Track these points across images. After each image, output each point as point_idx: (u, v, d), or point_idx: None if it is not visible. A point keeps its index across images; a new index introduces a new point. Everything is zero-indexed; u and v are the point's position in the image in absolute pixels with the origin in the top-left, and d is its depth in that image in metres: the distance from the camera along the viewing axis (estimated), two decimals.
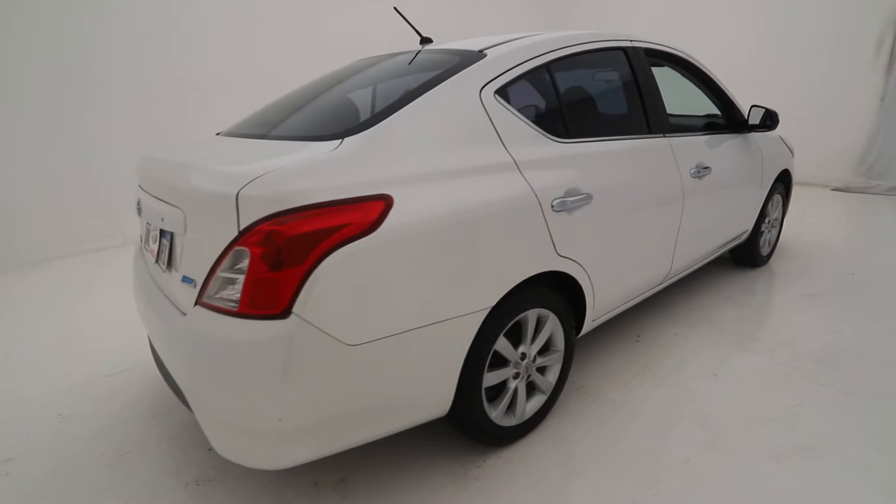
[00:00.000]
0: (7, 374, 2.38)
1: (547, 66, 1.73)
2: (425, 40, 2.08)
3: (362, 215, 1.17)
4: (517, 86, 1.62)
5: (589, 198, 1.69)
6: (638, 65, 2.11)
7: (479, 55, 1.61)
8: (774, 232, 3.44)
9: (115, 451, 1.77)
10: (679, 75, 2.56)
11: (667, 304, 2.81)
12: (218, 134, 1.88)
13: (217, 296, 1.17)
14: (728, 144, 2.62)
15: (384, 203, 1.22)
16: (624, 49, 2.08)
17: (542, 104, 1.73)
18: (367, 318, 1.20)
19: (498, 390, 1.66)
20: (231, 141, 1.64)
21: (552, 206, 1.56)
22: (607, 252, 1.84)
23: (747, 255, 3.25)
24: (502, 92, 1.57)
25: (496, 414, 1.61)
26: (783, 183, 3.35)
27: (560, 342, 1.79)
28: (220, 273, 1.16)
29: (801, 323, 2.56)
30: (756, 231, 3.13)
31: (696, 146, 2.34)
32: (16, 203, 4.07)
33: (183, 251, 1.35)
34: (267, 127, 1.64)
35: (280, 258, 1.10)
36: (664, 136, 2.15)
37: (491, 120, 1.50)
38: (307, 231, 1.11)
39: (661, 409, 1.91)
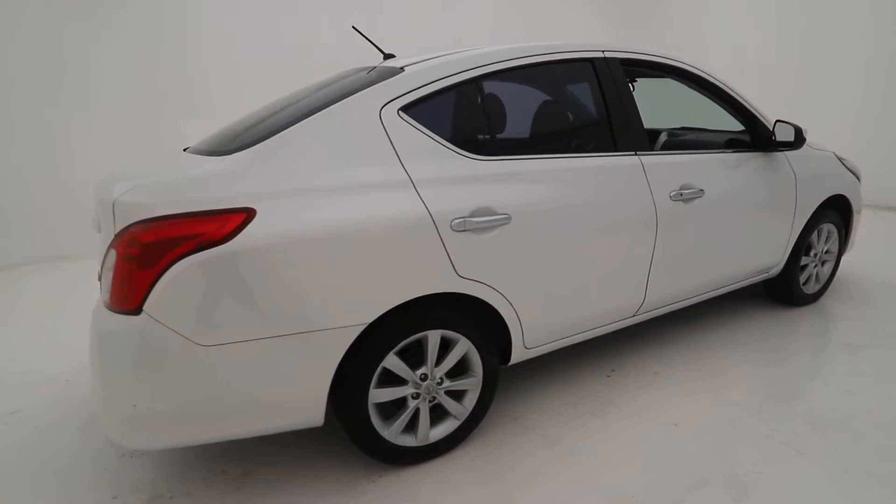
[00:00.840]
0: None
1: (476, 81, 1.68)
2: (388, 56, 2.13)
3: (218, 226, 1.26)
4: (433, 102, 1.60)
5: (506, 219, 1.61)
6: (607, 77, 1.95)
7: (397, 72, 1.62)
8: (827, 267, 2.93)
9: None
10: (692, 88, 2.31)
11: (661, 338, 2.53)
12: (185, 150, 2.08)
13: (102, 292, 1.33)
14: (739, 165, 2.30)
15: (245, 216, 1.29)
16: (591, 60, 1.94)
17: (463, 121, 1.68)
18: (221, 321, 1.27)
19: (400, 407, 1.64)
20: (181, 156, 1.81)
21: (451, 226, 1.52)
22: (538, 278, 1.72)
23: (784, 291, 2.80)
24: (411, 108, 1.56)
25: (389, 432, 1.60)
26: (838, 211, 2.84)
27: (478, 368, 1.72)
28: (103, 271, 1.32)
29: (818, 377, 2.15)
30: (793, 265, 2.69)
31: (683, 166, 2.09)
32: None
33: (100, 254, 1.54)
34: (211, 143, 1.79)
35: (136, 260, 1.22)
36: (635, 155, 1.96)
37: (389, 137, 1.50)
38: (160, 238, 1.22)
39: (592, 454, 1.73)
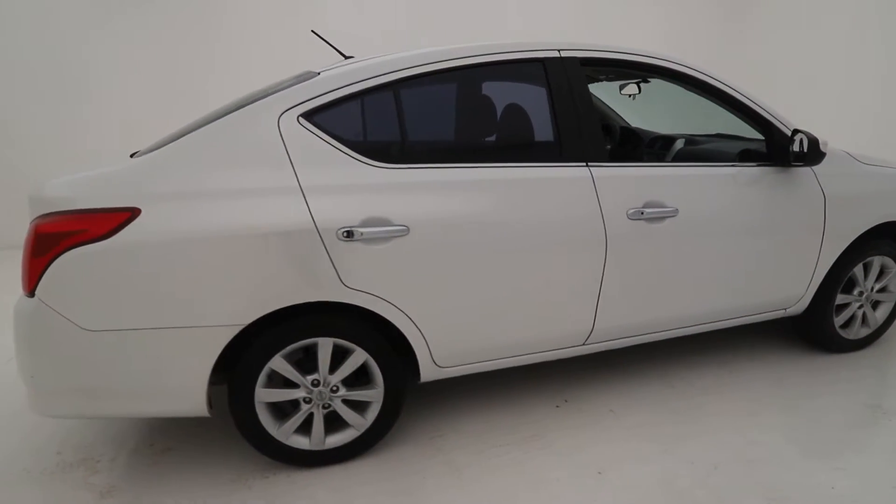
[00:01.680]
0: None
1: (392, 86, 1.62)
2: (349, 59, 2.13)
3: (101, 224, 1.37)
4: (340, 108, 1.57)
5: (403, 231, 1.54)
6: (560, 79, 1.76)
7: (312, 76, 1.62)
8: (883, 310, 2.38)
9: None
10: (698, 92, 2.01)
11: (637, 373, 2.25)
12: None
13: None
14: (740, 181, 1.95)
15: (129, 215, 1.38)
16: (542, 60, 1.77)
17: (372, 127, 1.63)
18: (103, 309, 1.39)
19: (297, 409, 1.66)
20: (121, 157, 1.93)
21: (337, 235, 1.49)
22: (446, 295, 1.62)
23: (814, 333, 2.34)
24: (314, 115, 1.55)
25: (279, 431, 1.62)
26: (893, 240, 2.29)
27: (379, 380, 1.68)
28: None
29: (811, 442, 1.77)
30: (824, 302, 2.22)
31: (650, 181, 1.82)
32: None
33: None
34: (151, 145, 1.90)
35: (33, 249, 1.37)
36: (585, 166, 1.75)
37: (285, 144, 1.51)
38: (51, 230, 1.36)
39: (490, 490, 1.60)
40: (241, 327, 1.47)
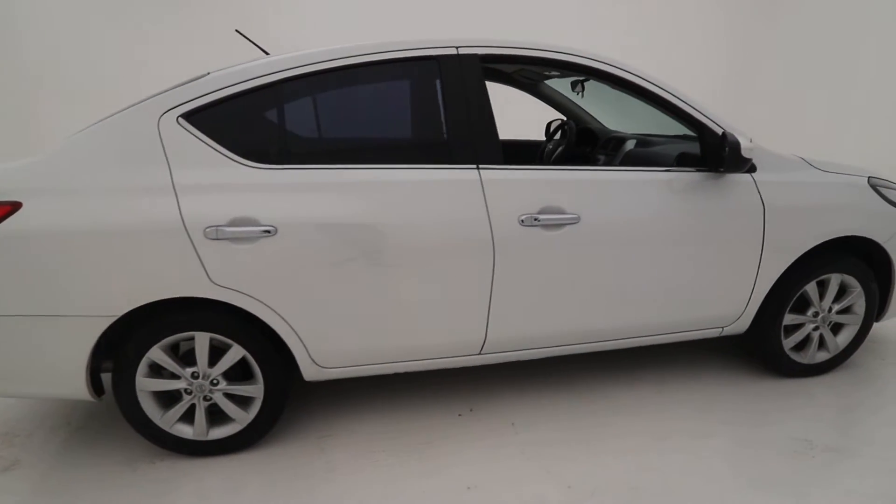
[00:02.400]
0: None
1: (273, 87, 1.63)
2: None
3: None
4: (220, 108, 1.60)
5: (271, 231, 1.55)
6: (454, 77, 1.71)
7: (201, 77, 1.66)
8: (846, 334, 2.14)
9: None
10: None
11: (557, 387, 2.16)
12: None
13: None
14: (661, 187, 1.82)
15: (10, 208, 1.48)
16: (437, 58, 1.72)
17: (251, 128, 1.64)
18: None
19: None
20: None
21: (205, 233, 1.52)
22: (318, 295, 1.62)
23: (760, 354, 2.15)
24: (194, 115, 1.59)
25: (163, 419, 1.69)
26: (867, 259, 2.05)
27: (259, 376, 1.71)
28: None
29: (711, 479, 1.62)
30: (769, 321, 2.03)
31: (548, 185, 1.74)
32: None
33: None
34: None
35: None
36: (475, 169, 1.69)
37: (163, 144, 1.56)
38: None
39: (348, 494, 1.59)
40: (114, 318, 1.54)
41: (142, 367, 1.63)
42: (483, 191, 1.68)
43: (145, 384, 1.65)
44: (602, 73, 1.82)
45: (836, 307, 2.10)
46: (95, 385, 1.66)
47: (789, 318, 2.07)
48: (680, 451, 1.75)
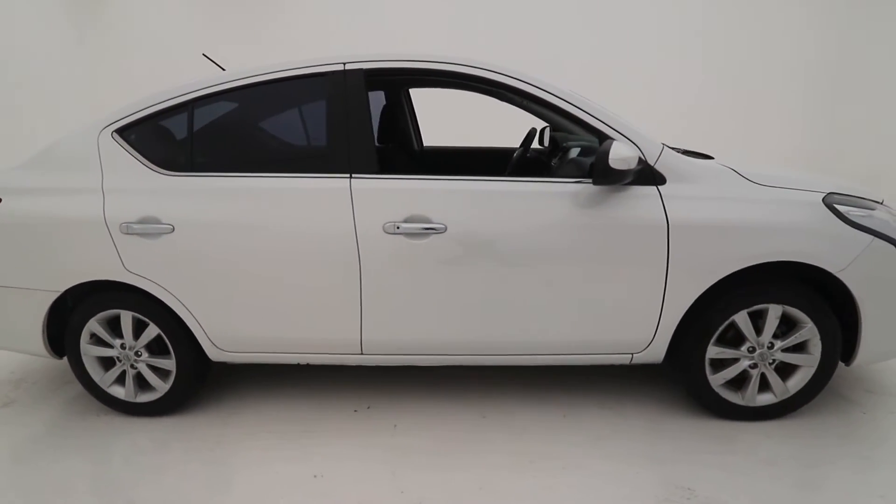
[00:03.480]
0: None
1: (187, 105, 1.89)
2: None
3: None
4: (144, 125, 1.91)
5: (170, 228, 1.81)
6: (338, 92, 1.83)
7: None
8: (799, 377, 1.82)
9: None
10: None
11: (469, 396, 2.14)
12: None
13: None
14: (542, 198, 1.74)
15: None
16: (326, 74, 1.85)
17: (164, 141, 1.93)
18: None
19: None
20: None
21: (120, 228, 1.83)
22: (210, 286, 1.86)
23: (690, 390, 1.91)
24: (124, 130, 1.92)
25: (101, 380, 2.05)
26: (823, 290, 1.73)
27: (172, 352, 1.99)
28: None
29: None
30: (692, 354, 1.81)
31: (415, 194, 1.77)
32: None
33: None
34: None
35: None
36: (347, 178, 1.79)
37: (100, 154, 1.91)
38: None
39: (217, 463, 1.79)
40: (58, 293, 1.93)
41: (84, 335, 2.01)
42: (352, 199, 1.78)
43: (87, 349, 2.03)
44: (485, 80, 1.80)
45: (780, 344, 1.79)
46: (57, 347, 2.09)
47: (715, 351, 1.81)
48: (538, 476, 1.66)
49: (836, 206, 1.71)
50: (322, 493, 1.64)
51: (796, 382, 1.84)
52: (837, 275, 1.68)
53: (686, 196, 1.72)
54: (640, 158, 1.69)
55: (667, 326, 1.79)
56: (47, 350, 2.05)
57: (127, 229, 1.84)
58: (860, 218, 1.71)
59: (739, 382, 1.88)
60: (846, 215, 1.70)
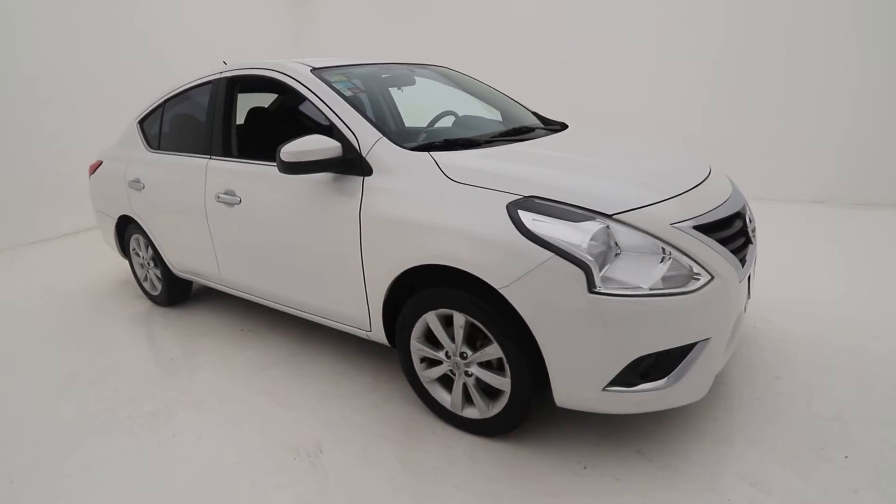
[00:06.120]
0: None
1: (164, 103, 2.85)
2: None
3: None
4: (151, 116, 2.97)
5: (143, 186, 2.84)
6: (215, 94, 2.47)
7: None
8: (501, 400, 1.66)
9: None
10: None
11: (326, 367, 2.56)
12: None
13: None
14: (284, 181, 2.05)
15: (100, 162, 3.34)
16: (211, 82, 2.51)
17: (154, 128, 2.91)
18: None
19: None
20: None
21: (128, 183, 2.96)
22: (158, 222, 2.83)
23: (408, 377, 1.91)
24: (142, 120, 3.02)
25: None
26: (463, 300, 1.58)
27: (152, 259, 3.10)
28: None
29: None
30: (403, 344, 1.84)
31: (230, 173, 2.32)
32: None
33: None
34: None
35: None
36: (209, 158, 2.44)
37: (136, 134, 3.06)
38: None
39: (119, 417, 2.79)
40: (114, 219, 3.24)
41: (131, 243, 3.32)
42: (206, 174, 2.43)
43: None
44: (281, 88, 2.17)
45: (472, 356, 1.63)
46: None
47: (417, 347, 1.78)
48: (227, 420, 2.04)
49: (520, 212, 1.43)
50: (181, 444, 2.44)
51: (499, 405, 1.64)
52: (501, 290, 1.44)
53: (381, 188, 1.73)
54: (353, 149, 1.81)
55: (375, 311, 1.87)
56: (119, 251, 3.45)
57: (130, 185, 2.97)
58: (548, 230, 1.39)
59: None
60: (527, 225, 1.41)
